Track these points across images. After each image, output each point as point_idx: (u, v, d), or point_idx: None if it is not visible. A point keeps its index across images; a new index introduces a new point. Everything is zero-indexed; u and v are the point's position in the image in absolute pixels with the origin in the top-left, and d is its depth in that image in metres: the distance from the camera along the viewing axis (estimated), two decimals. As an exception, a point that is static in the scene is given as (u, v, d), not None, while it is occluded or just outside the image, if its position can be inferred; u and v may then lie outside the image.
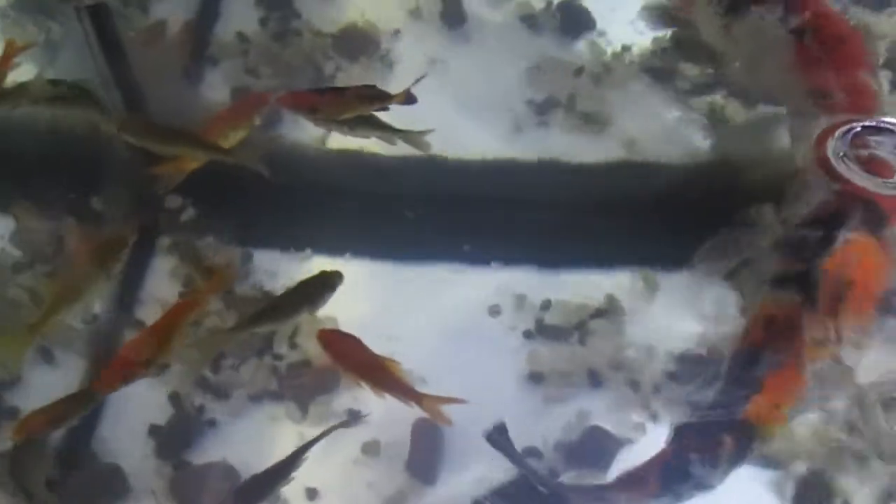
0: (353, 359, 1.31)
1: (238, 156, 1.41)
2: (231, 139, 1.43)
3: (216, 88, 1.91)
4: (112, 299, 1.65)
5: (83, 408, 1.31)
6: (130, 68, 1.68)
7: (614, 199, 1.79)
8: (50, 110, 1.53)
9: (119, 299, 1.65)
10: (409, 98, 1.30)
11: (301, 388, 1.56)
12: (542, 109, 1.89)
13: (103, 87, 1.64)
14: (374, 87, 1.31)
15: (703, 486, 1.19)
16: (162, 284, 1.68)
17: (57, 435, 1.46)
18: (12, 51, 1.40)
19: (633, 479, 1.21)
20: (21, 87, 1.47)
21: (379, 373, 1.28)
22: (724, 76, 1.82)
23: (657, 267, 1.69)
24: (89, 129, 1.66)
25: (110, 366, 1.25)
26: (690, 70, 1.87)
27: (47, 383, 1.52)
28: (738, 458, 1.20)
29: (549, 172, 1.80)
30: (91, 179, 1.73)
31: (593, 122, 1.86)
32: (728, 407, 1.22)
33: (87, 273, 1.35)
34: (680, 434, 1.24)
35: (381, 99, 1.30)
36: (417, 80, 1.31)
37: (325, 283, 1.38)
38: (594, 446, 1.52)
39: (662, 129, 1.85)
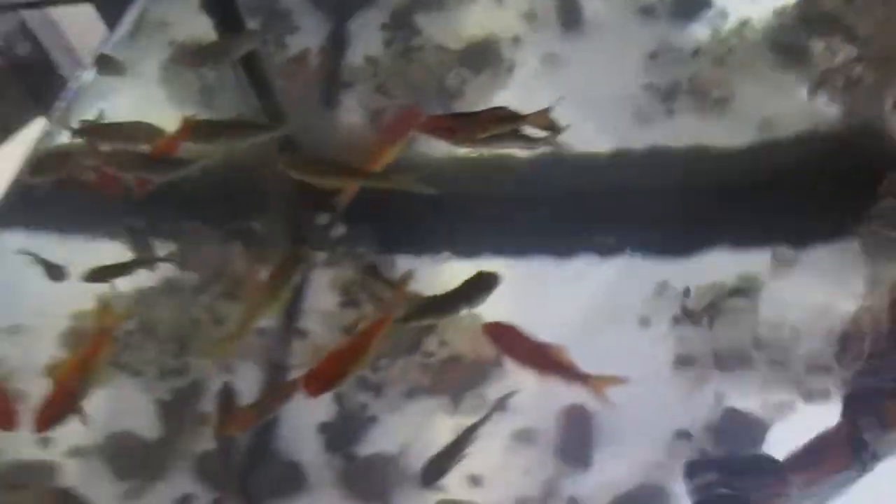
0: (519, 347, 1.37)
1: (397, 180, 1.49)
2: (392, 155, 1.52)
3: (352, 111, 2.05)
4: (278, 312, 1.81)
5: (284, 401, 1.45)
6: (277, 101, 1.84)
7: (748, 179, 1.77)
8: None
9: (285, 312, 1.81)
10: (550, 125, 1.34)
11: (452, 383, 1.66)
12: (666, 96, 1.90)
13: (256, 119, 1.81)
14: (505, 108, 1.37)
15: (877, 455, 1.17)
16: (322, 296, 1.83)
17: (244, 437, 1.63)
18: (188, 126, 1.57)
19: (811, 457, 1.21)
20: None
21: (545, 357, 1.33)
22: (855, 46, 1.77)
23: (796, 244, 1.66)
24: (248, 162, 1.82)
25: (314, 373, 1.37)
26: (817, 42, 1.83)
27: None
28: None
29: (678, 158, 1.81)
30: (252, 206, 1.91)
31: (719, 103, 1.85)
32: (884, 374, 1.20)
33: (275, 286, 1.49)
34: (849, 405, 1.22)
35: (515, 119, 1.35)
36: (553, 105, 1.35)
37: (484, 283, 1.45)
38: (743, 427, 1.53)
39: (793, 105, 1.82)
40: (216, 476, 1.47)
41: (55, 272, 1.76)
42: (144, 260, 1.73)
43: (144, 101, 1.95)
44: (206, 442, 1.62)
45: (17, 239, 1.91)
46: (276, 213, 1.93)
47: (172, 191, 1.78)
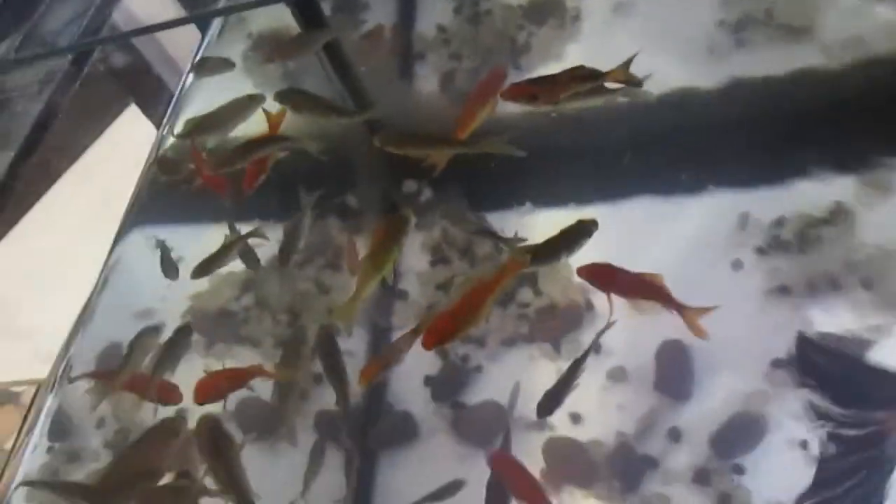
0: (617, 280, 1.43)
1: (489, 144, 1.56)
2: (479, 120, 1.59)
3: (427, 80, 2.12)
4: (390, 273, 1.90)
5: (402, 354, 1.58)
6: (358, 80, 1.94)
7: (828, 105, 1.75)
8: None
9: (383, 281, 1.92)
10: (630, 79, 1.37)
11: (551, 330, 1.74)
12: (738, 28, 1.88)
13: (341, 100, 1.91)
14: (584, 67, 1.41)
15: None
16: (415, 257, 1.94)
17: (358, 395, 1.76)
18: (279, 118, 1.70)
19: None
20: None
21: (643, 285, 1.39)
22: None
23: (885, 167, 1.64)
24: (343, 141, 1.93)
25: (433, 328, 1.47)
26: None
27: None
28: None
29: (755, 90, 1.80)
30: (345, 182, 2.02)
31: (795, 31, 1.83)
32: None
33: (387, 249, 1.60)
34: None
35: (594, 77, 1.39)
36: (631, 59, 1.37)
37: (584, 231, 1.52)
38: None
39: (873, 29, 1.77)
40: (337, 430, 1.60)
41: (170, 269, 1.92)
42: (235, 242, 1.86)
43: (234, 93, 2.07)
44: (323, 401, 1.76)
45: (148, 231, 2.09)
46: (366, 186, 2.04)
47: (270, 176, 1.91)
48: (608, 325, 1.58)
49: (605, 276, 1.44)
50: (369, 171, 2.00)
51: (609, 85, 1.44)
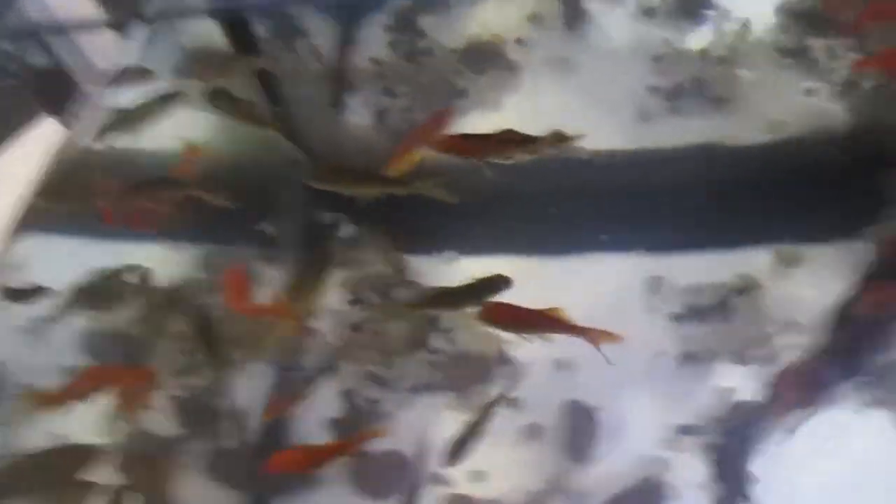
0: (517, 317, 1.40)
1: (420, 186, 1.53)
2: (412, 161, 1.56)
3: (359, 113, 2.08)
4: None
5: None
6: (287, 106, 1.88)
7: (750, 178, 1.80)
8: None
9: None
10: (560, 139, 1.38)
11: (459, 379, 1.70)
12: (671, 96, 1.92)
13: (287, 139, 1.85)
14: (514, 131, 1.40)
15: (844, 383, 1.26)
16: (332, 295, 1.87)
17: (255, 433, 1.67)
18: (194, 154, 1.63)
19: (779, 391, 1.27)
20: None
21: (544, 318, 1.37)
22: (857, 44, 1.78)
23: (798, 242, 1.69)
24: (260, 165, 1.86)
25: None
26: (819, 42, 1.85)
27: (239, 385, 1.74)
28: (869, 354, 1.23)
29: (680, 158, 1.83)
30: (262, 208, 1.95)
31: (723, 103, 1.88)
32: None
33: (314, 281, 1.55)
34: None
35: (526, 143, 1.40)
36: (565, 137, 1.37)
37: (494, 284, 1.50)
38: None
39: (797, 104, 1.84)
40: (230, 474, 1.51)
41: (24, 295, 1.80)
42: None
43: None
44: (221, 440, 1.67)
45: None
46: (287, 215, 1.97)
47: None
48: (518, 382, 1.56)
49: (505, 315, 1.42)
50: (292, 201, 1.94)
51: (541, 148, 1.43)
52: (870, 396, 1.52)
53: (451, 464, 1.47)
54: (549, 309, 1.37)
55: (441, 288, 1.53)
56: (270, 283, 1.89)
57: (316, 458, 1.49)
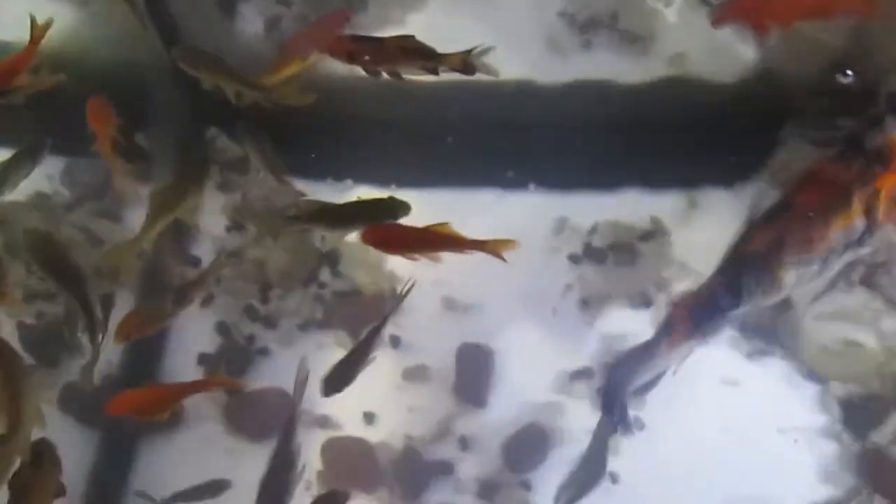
0: (404, 237, 1.29)
1: (282, 93, 1.39)
2: (295, 70, 1.40)
3: (249, 20, 1.89)
4: (164, 236, 1.68)
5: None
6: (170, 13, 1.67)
7: (657, 118, 1.74)
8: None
9: (170, 234, 1.68)
10: (466, 67, 1.24)
11: (348, 316, 1.59)
12: (584, 28, 1.82)
13: (142, 24, 1.63)
14: (414, 39, 1.25)
15: (725, 321, 1.26)
16: (211, 220, 1.72)
17: (119, 367, 1.52)
18: (40, 31, 1.40)
19: (666, 326, 1.25)
20: None
21: (433, 237, 1.26)
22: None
23: (701, 187, 1.66)
24: (133, 67, 1.66)
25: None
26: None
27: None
28: (749, 295, 1.24)
29: (589, 93, 1.75)
30: (135, 117, 1.75)
31: (637, 40, 1.80)
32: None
33: (181, 190, 1.39)
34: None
35: (425, 55, 1.24)
36: (471, 51, 1.23)
37: (390, 208, 1.36)
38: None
39: (710, 45, 1.78)
40: (81, 409, 1.36)
41: None
42: None
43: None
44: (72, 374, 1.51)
45: None
46: (163, 126, 1.77)
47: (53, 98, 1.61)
48: (409, 288, 1.45)
49: (391, 237, 1.30)
50: (169, 110, 1.74)
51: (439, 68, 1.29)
52: (758, 345, 1.53)
53: (328, 394, 1.36)
54: (436, 225, 1.26)
55: (325, 203, 1.39)
56: (141, 201, 1.71)
57: (159, 399, 1.33)
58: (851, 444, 1.42)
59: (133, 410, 1.32)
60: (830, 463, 1.42)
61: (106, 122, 1.41)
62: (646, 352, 1.26)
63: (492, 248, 1.26)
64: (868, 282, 1.47)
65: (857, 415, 1.44)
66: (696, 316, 1.24)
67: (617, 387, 1.29)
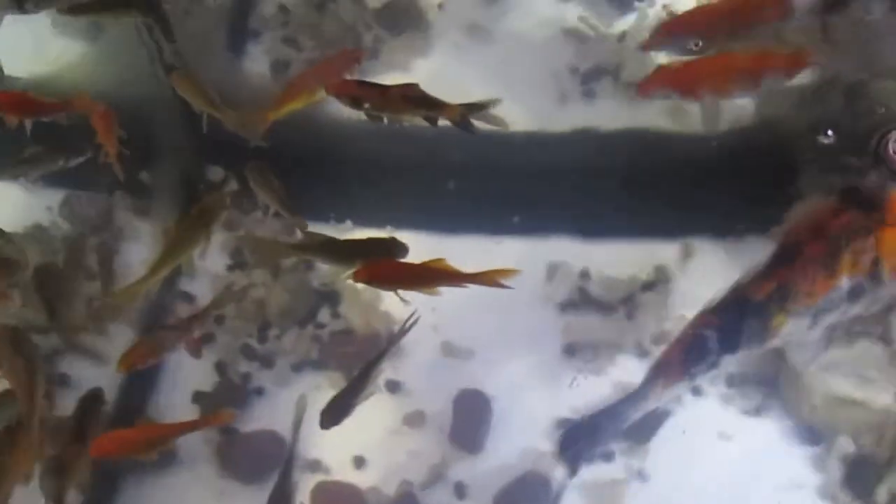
0: (399, 273, 1.27)
1: (244, 129, 1.39)
2: (296, 105, 1.40)
3: (257, 60, 1.91)
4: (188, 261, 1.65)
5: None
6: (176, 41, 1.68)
7: (659, 168, 1.75)
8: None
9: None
10: (464, 120, 1.24)
11: (344, 357, 1.58)
12: (588, 79, 1.85)
13: (152, 61, 1.65)
14: (417, 87, 1.26)
15: (715, 365, 1.23)
16: (211, 258, 1.71)
17: (112, 404, 1.50)
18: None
19: (661, 367, 1.23)
20: None
21: (429, 272, 1.24)
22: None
23: (701, 236, 1.66)
24: (138, 104, 1.67)
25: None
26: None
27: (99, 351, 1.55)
28: (744, 342, 1.23)
29: (595, 143, 1.77)
30: (140, 154, 1.76)
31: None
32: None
33: (190, 234, 1.38)
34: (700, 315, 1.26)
35: (428, 105, 1.25)
36: (478, 105, 1.21)
37: (388, 247, 1.35)
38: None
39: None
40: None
41: None
42: None
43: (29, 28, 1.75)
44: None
45: None
46: (166, 163, 1.78)
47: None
48: (412, 322, 1.41)
49: (386, 270, 1.29)
50: (172, 147, 1.75)
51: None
52: (757, 400, 1.52)
53: (326, 426, 1.32)
54: (432, 260, 1.25)
55: (328, 237, 1.38)
56: (140, 237, 1.71)
57: (146, 440, 1.28)
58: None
59: (118, 452, 1.27)
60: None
61: (110, 131, 1.40)
62: (639, 392, 1.22)
63: (490, 278, 1.24)
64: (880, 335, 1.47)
65: (856, 474, 1.42)
66: (689, 357, 1.21)
67: (578, 432, 1.25)
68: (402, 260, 1.30)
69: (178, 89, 1.42)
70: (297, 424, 1.41)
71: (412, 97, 1.24)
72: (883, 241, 1.22)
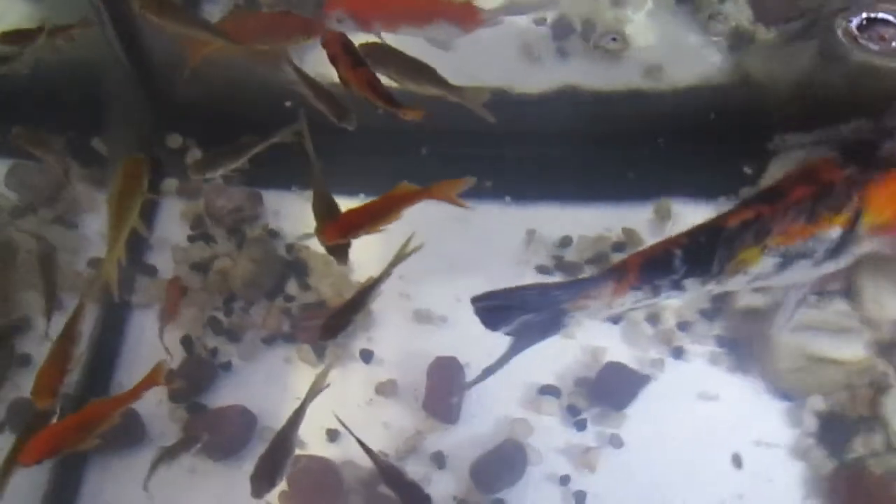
0: (362, 215, 1.23)
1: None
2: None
3: (213, 15, 1.81)
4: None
5: None
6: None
7: (633, 127, 1.72)
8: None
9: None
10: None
11: (315, 330, 1.53)
12: (559, 35, 1.80)
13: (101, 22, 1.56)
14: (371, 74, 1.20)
15: (678, 286, 1.18)
16: (172, 228, 1.64)
17: (74, 382, 1.44)
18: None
19: (616, 270, 1.18)
20: None
21: (386, 202, 1.22)
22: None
23: (676, 197, 1.64)
24: (88, 68, 1.59)
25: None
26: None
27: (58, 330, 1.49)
28: (710, 267, 1.18)
29: (565, 102, 1.73)
30: (92, 120, 1.68)
31: (612, 47, 1.77)
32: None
33: (131, 194, 1.33)
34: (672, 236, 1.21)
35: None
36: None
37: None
38: (614, 383, 1.51)
39: (684, 54, 1.77)
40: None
41: None
42: None
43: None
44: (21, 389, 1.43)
45: None
46: (121, 131, 1.70)
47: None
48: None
49: (351, 220, 1.23)
50: (127, 113, 1.67)
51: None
52: (733, 360, 1.52)
53: (325, 337, 1.30)
54: (389, 192, 1.23)
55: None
56: (96, 208, 1.64)
57: (79, 429, 1.19)
58: (824, 460, 1.41)
59: (53, 451, 1.17)
60: (806, 479, 1.41)
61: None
62: (590, 287, 1.16)
63: (446, 190, 1.23)
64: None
65: (831, 430, 1.43)
66: (648, 269, 1.16)
67: (504, 295, 1.18)
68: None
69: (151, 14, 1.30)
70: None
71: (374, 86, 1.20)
72: (873, 197, 1.20)
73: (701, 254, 1.17)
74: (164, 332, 1.46)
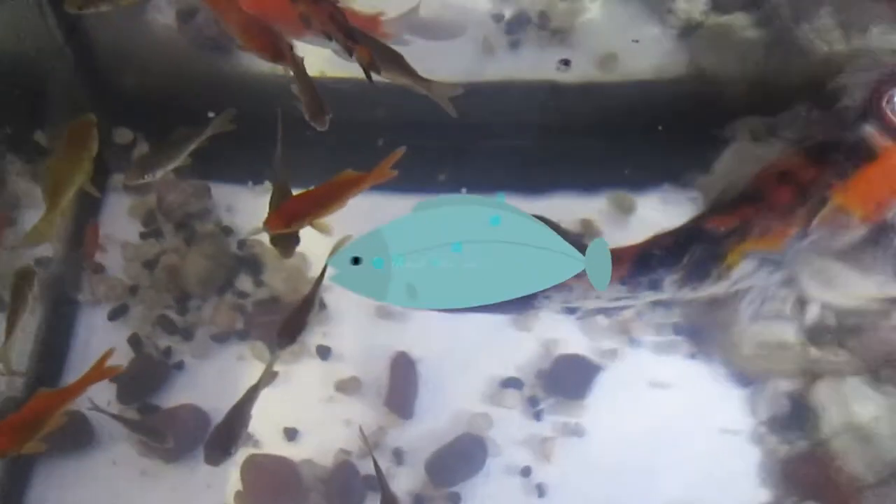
0: (307, 203, 1.22)
1: None
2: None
3: (162, 11, 1.77)
4: (66, 240, 1.56)
5: None
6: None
7: (588, 119, 1.72)
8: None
9: (74, 240, 1.56)
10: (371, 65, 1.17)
11: (269, 327, 1.50)
12: (513, 28, 1.79)
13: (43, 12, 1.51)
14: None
15: (657, 286, 1.20)
16: (119, 224, 1.60)
17: (20, 384, 1.39)
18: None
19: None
20: None
21: (333, 189, 1.21)
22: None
23: (634, 189, 1.65)
24: (31, 59, 1.53)
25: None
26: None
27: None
28: (694, 273, 1.20)
29: (518, 94, 1.72)
30: (34, 113, 1.62)
31: (566, 37, 1.77)
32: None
33: (78, 157, 1.29)
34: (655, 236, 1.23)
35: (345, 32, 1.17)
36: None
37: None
38: (572, 373, 1.50)
39: (639, 44, 1.77)
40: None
41: None
42: None
43: None
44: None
45: None
46: (65, 124, 1.64)
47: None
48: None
49: (295, 209, 1.22)
50: (69, 104, 1.61)
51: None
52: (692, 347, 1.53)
53: (282, 343, 1.27)
54: (331, 179, 1.22)
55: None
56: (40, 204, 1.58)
57: (14, 434, 1.12)
58: (781, 445, 1.43)
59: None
60: (764, 466, 1.43)
61: None
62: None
63: (384, 172, 1.25)
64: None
65: (788, 415, 1.45)
66: (635, 265, 1.19)
67: None
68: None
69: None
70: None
71: (336, 19, 1.16)
72: (855, 188, 1.21)
73: (683, 257, 1.18)
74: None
